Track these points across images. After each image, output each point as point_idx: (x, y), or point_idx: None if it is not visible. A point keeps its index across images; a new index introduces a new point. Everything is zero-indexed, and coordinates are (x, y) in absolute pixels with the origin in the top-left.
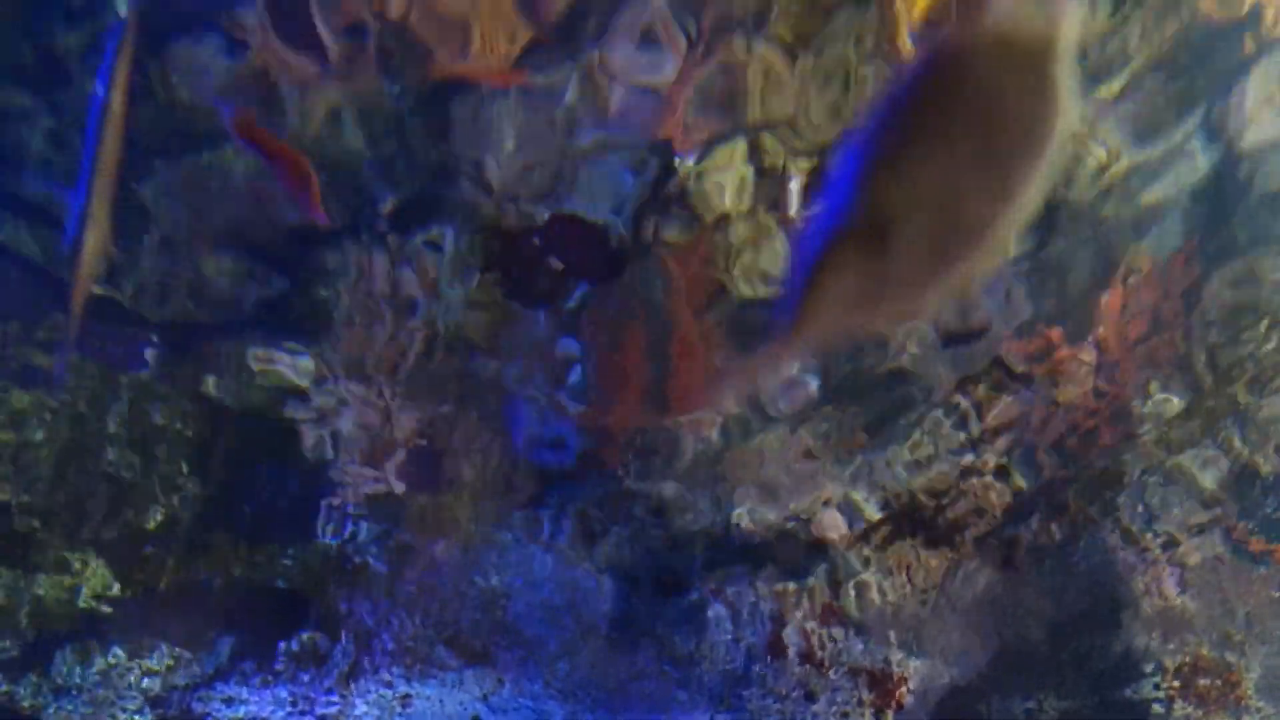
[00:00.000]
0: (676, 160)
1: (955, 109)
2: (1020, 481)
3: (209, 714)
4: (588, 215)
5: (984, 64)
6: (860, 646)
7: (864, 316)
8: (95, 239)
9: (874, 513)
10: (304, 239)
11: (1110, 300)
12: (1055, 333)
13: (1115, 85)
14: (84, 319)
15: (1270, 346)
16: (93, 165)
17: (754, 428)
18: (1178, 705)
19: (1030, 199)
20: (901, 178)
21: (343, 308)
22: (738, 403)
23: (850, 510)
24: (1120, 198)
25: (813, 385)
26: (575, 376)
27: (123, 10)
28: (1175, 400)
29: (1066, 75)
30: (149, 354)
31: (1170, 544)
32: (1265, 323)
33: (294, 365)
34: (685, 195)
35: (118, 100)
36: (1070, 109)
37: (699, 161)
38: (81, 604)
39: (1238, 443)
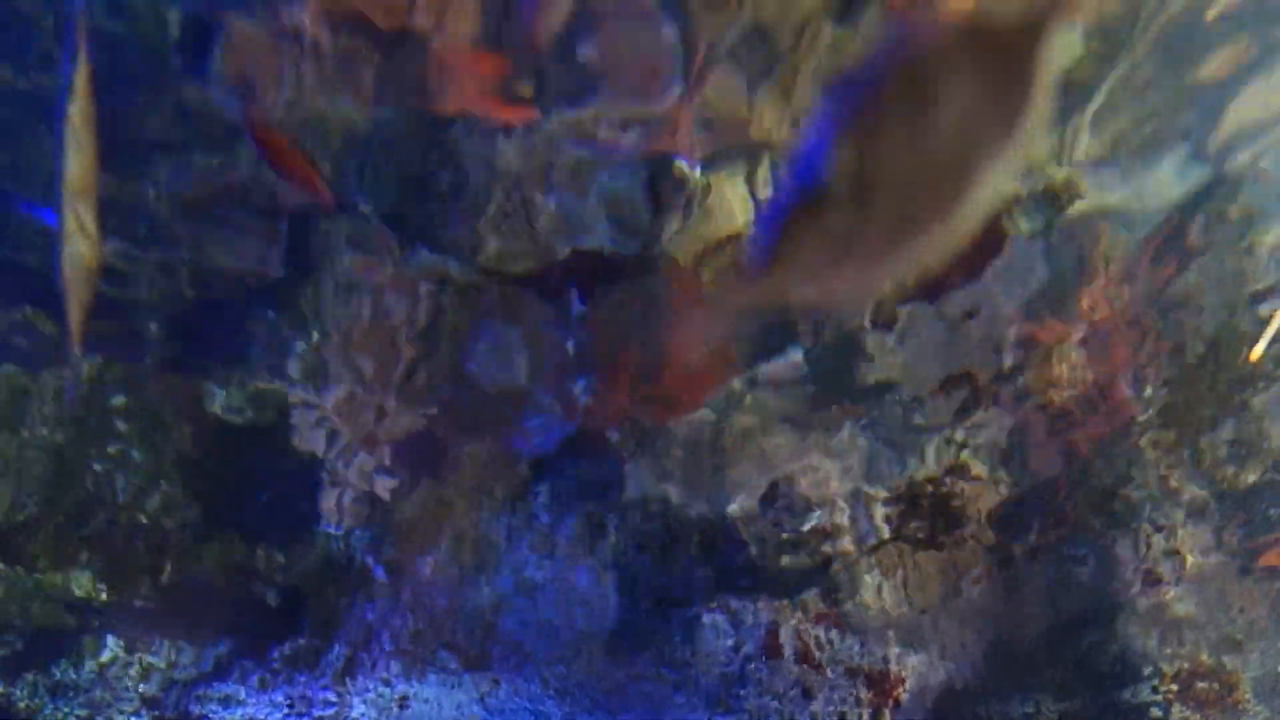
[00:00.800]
0: (684, 166)
1: (938, 81)
2: (1007, 479)
3: (206, 715)
4: (599, 247)
5: (971, 40)
6: (858, 647)
7: (832, 276)
8: (77, 254)
9: (884, 513)
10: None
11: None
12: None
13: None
14: (84, 336)
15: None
16: (62, 179)
17: (746, 406)
18: (1175, 709)
19: (1002, 177)
20: (877, 144)
21: (340, 304)
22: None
23: (857, 504)
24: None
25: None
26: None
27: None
28: (1164, 396)
29: (1051, 60)
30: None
31: (1168, 547)
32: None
33: (292, 362)
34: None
35: (80, 109)
36: (1048, 93)
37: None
38: (78, 605)
39: (1227, 446)
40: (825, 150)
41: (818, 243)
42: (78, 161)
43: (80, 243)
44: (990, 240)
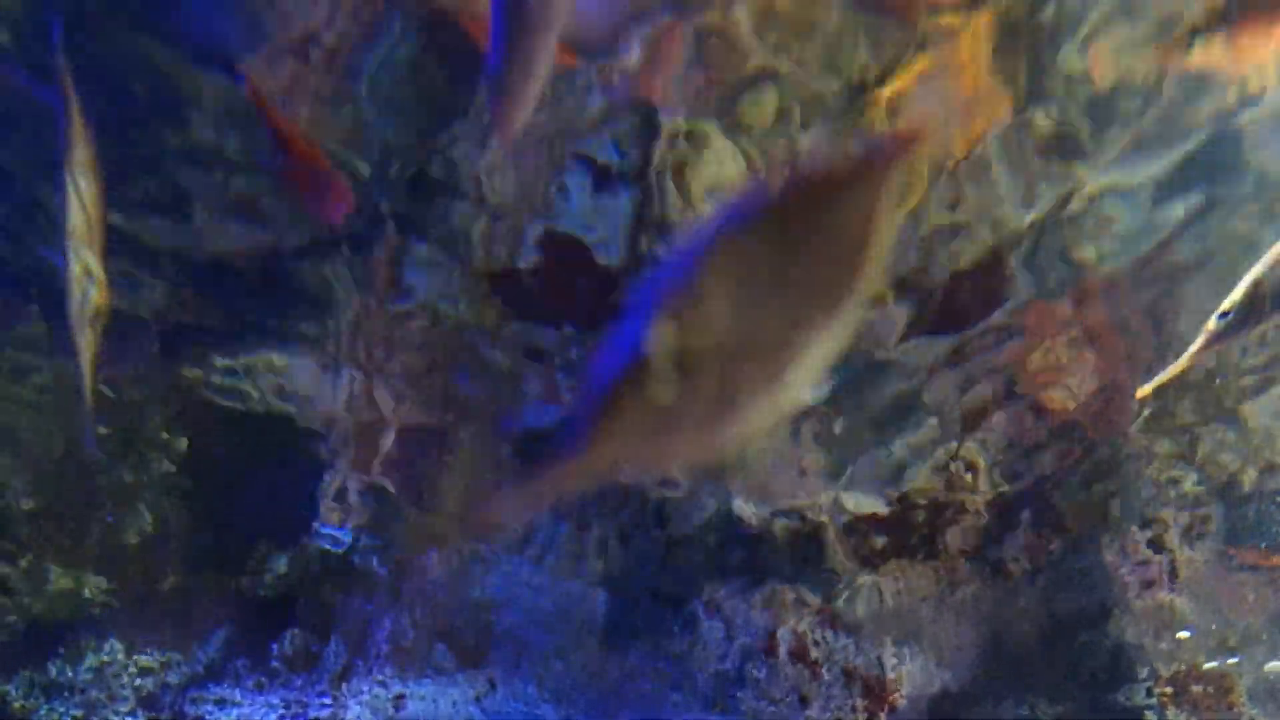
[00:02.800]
0: (662, 118)
1: (773, 254)
2: (1004, 486)
3: (201, 716)
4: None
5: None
6: (854, 651)
7: (655, 452)
8: (85, 301)
9: (876, 509)
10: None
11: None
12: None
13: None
14: (96, 382)
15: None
16: (65, 228)
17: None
18: (1170, 712)
19: (831, 347)
20: (707, 314)
21: (344, 306)
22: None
23: (852, 510)
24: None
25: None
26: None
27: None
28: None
29: (889, 215)
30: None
31: (1162, 549)
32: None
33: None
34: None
35: (80, 157)
36: (879, 268)
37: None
38: (75, 605)
39: (1224, 449)
40: (647, 323)
41: (644, 418)
42: (80, 209)
43: (88, 289)
44: (995, 287)
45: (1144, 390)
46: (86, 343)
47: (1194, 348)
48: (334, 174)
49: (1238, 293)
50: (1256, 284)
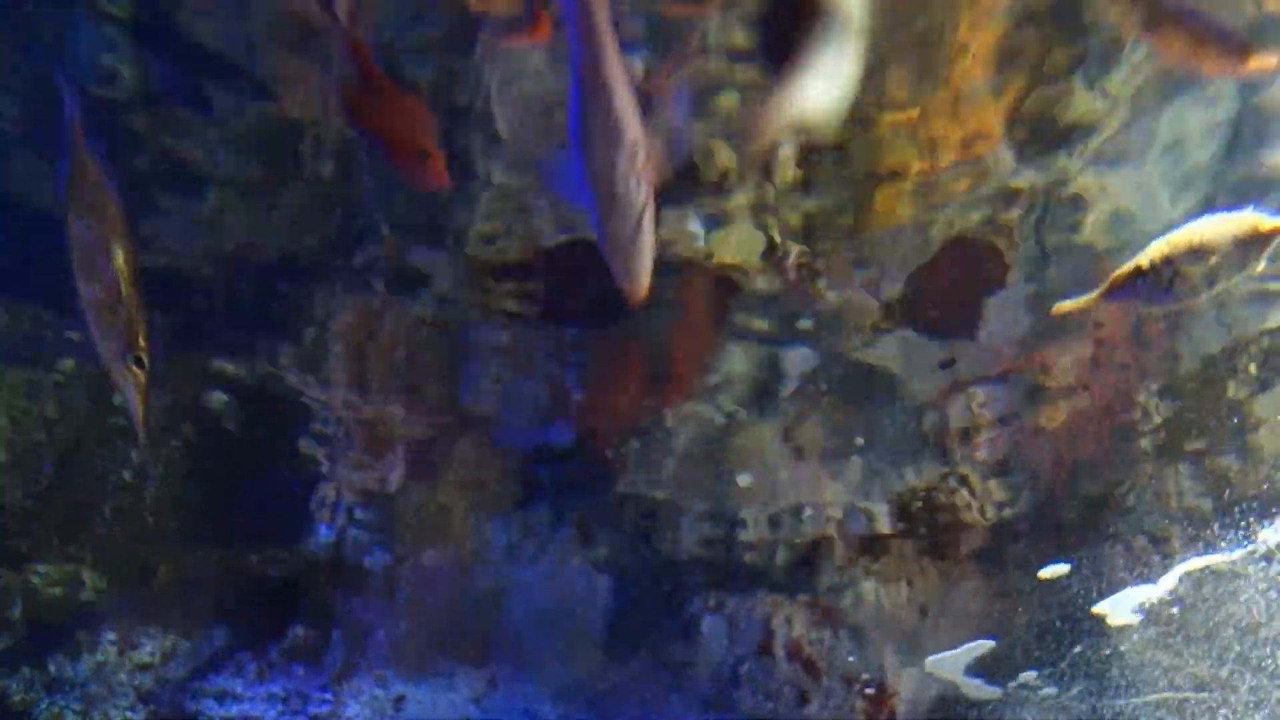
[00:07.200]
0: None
1: None
2: (1007, 493)
3: (201, 711)
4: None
5: None
6: (854, 653)
7: None
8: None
9: (883, 522)
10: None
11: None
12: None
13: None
14: (148, 421)
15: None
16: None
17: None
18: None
19: None
20: None
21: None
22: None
23: (853, 515)
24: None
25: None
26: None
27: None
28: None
29: None
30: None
31: (1164, 555)
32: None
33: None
34: None
35: (90, 197)
36: None
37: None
38: (75, 601)
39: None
40: None
41: None
42: (91, 275)
43: (113, 332)
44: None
45: (1060, 307)
46: (137, 395)
47: (1099, 290)
48: (433, 150)
49: (1155, 253)
50: (1174, 252)
